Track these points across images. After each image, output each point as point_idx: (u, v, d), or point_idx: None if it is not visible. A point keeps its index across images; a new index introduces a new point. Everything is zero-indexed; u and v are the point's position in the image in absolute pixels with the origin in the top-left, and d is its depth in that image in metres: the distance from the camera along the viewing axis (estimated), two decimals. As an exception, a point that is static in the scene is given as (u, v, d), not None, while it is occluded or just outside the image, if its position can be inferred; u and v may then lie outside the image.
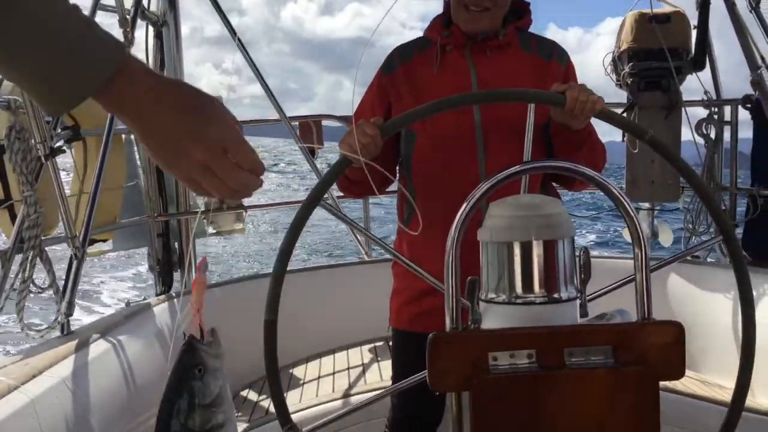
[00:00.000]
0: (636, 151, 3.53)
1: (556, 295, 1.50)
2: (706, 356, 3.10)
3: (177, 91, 0.93)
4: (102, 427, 1.85)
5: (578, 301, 1.55)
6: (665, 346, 1.38)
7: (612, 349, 1.38)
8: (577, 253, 1.55)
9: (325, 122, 3.90)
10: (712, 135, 3.64)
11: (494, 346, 1.38)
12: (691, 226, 3.66)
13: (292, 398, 2.72)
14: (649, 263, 1.41)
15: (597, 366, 1.37)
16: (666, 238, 4.08)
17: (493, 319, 1.51)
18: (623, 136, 3.60)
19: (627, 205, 1.38)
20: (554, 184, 2.28)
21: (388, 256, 3.95)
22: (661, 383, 2.82)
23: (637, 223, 1.36)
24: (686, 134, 3.75)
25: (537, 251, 1.47)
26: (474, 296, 1.47)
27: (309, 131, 3.89)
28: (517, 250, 1.48)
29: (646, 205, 3.94)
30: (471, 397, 1.37)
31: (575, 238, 1.53)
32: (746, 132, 3.65)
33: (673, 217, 4.91)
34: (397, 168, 2.31)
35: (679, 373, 1.40)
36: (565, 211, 1.57)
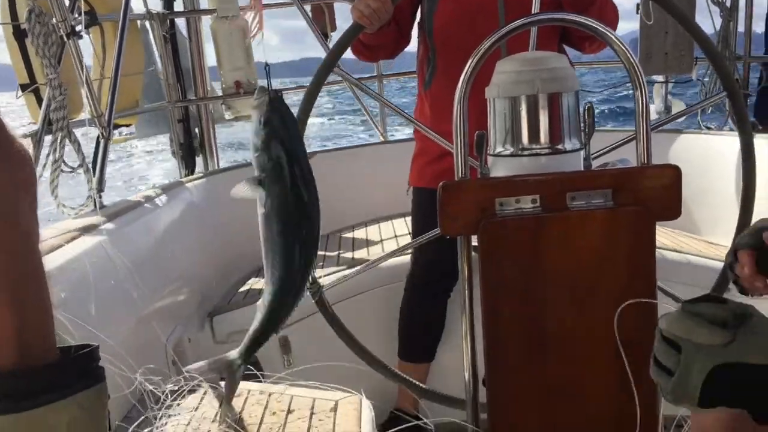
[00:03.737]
0: (650, 23, 3.50)
1: (560, 146, 1.58)
2: (714, 222, 3.19)
3: None
4: (143, 283, 1.99)
5: (582, 154, 1.63)
6: (662, 188, 1.47)
7: (612, 191, 1.47)
8: (582, 109, 1.62)
9: (337, 4, 3.88)
10: (728, 3, 3.58)
11: (500, 193, 1.48)
12: (704, 95, 3.67)
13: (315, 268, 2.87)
14: (649, 107, 1.47)
15: (597, 208, 1.47)
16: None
17: (500, 171, 1.60)
18: (637, 8, 3.57)
19: (625, 49, 1.43)
20: (566, 46, 2.31)
21: (403, 136, 4.05)
22: (667, 243, 2.94)
23: (636, 66, 1.42)
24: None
25: (542, 104, 1.54)
26: (482, 149, 1.55)
27: (321, 14, 3.88)
28: (523, 104, 1.55)
29: (661, 78, 3.94)
30: (479, 238, 1.48)
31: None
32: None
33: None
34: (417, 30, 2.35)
35: (675, 213, 1.49)
36: (570, 66, 1.62)
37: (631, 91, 1.52)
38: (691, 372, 0.84)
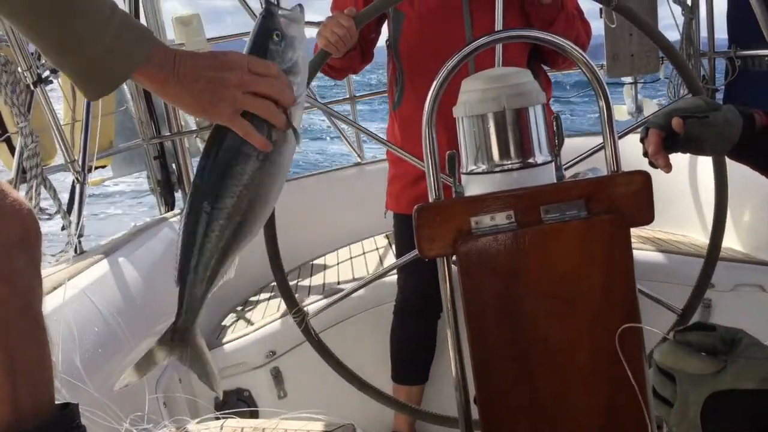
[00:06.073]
0: (614, 26, 3.55)
1: (531, 160, 1.59)
2: (690, 217, 3.22)
3: (191, 61, 1.04)
4: (128, 326, 1.98)
5: (553, 165, 1.65)
6: (634, 194, 1.48)
7: (584, 202, 1.48)
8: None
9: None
10: (689, 1, 3.63)
11: (475, 211, 1.49)
12: (673, 94, 3.71)
13: (301, 296, 2.86)
14: (613, 115, 1.49)
15: (571, 219, 1.48)
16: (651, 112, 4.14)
17: (474, 190, 1.61)
18: (601, 12, 3.61)
19: (585, 60, 1.45)
20: (543, 66, 2.33)
21: (380, 157, 4.05)
22: (646, 243, 2.96)
23: (597, 76, 1.44)
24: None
25: (510, 119, 1.55)
26: (454, 169, 1.57)
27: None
28: (491, 121, 1.56)
29: (629, 79, 3.98)
30: (457, 258, 1.48)
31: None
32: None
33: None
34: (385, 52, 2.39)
35: (648, 218, 1.50)
36: (534, 80, 1.64)
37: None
38: (688, 402, 0.85)
